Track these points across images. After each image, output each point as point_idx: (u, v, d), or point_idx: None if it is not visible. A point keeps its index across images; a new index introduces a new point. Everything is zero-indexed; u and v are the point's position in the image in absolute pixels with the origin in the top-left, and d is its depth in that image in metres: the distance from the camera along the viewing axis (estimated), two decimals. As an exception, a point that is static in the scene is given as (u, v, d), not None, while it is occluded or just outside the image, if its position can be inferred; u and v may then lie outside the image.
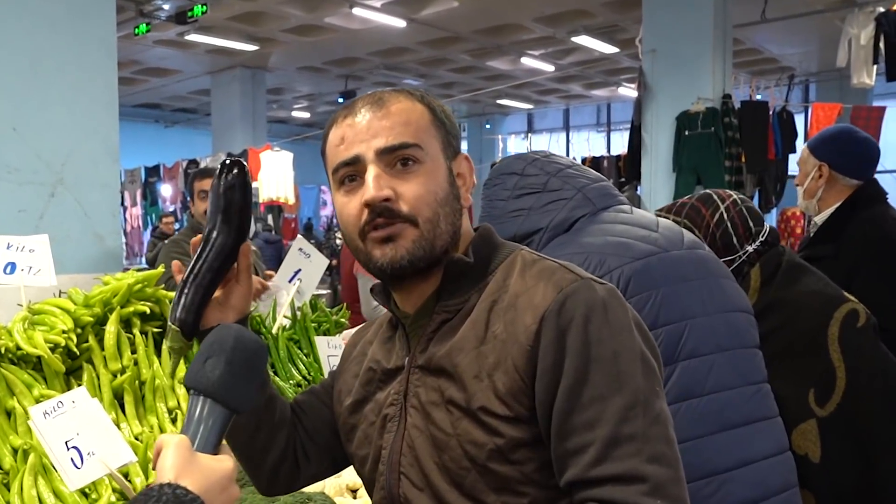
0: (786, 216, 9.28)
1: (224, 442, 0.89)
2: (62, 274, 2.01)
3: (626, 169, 8.44)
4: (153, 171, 11.49)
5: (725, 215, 1.75)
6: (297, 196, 9.95)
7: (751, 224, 1.75)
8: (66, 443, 1.44)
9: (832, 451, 1.60)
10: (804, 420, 1.61)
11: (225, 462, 0.83)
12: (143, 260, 10.36)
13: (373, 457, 1.05)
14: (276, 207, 10.22)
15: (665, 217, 1.73)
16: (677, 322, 1.34)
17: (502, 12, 9.26)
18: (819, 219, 2.33)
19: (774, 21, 8.17)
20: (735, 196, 1.79)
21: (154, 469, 0.81)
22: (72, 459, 1.44)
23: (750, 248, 1.74)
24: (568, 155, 13.48)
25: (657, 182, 7.31)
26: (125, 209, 11.25)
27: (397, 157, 0.97)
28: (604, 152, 13.78)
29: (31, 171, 2.56)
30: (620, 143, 12.18)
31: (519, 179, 1.50)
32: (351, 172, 0.99)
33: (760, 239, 1.75)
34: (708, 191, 1.83)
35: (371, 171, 0.96)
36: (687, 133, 7.01)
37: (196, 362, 0.87)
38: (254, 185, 9.70)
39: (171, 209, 10.97)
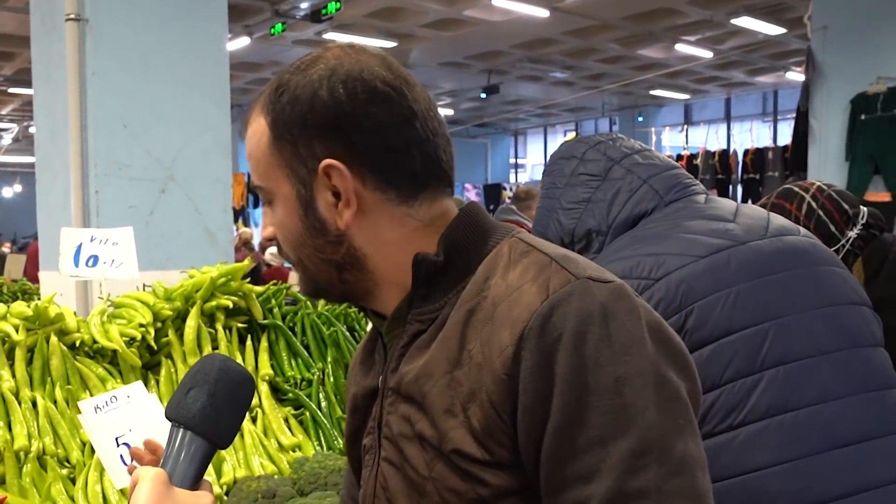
0: None
1: (206, 477, 0.85)
2: (172, 270, 2.02)
3: (791, 159, 7.73)
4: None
5: (814, 204, 1.61)
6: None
7: (846, 207, 1.62)
8: (116, 439, 1.41)
9: None
10: None
11: (202, 498, 0.79)
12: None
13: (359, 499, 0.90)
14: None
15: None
16: (758, 325, 1.15)
17: (653, -4, 8.77)
18: None
19: (977, -16, 7.11)
20: (818, 183, 1.66)
21: None
22: (121, 456, 1.40)
23: (853, 234, 1.57)
24: (728, 148, 12.64)
25: (826, 173, 6.63)
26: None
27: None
28: (769, 143, 12.75)
29: (142, 168, 2.64)
30: (788, 134, 11.21)
31: (578, 164, 1.36)
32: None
33: (861, 222, 1.60)
34: (786, 185, 1.68)
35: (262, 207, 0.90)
36: (863, 117, 6.37)
37: (178, 393, 0.84)
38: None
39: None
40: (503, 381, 0.71)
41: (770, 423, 1.12)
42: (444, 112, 16.96)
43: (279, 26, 8.12)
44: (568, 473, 0.69)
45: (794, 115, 7.14)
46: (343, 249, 0.82)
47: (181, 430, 0.82)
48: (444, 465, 0.75)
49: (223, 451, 1.69)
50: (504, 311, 0.74)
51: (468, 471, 0.74)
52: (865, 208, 1.64)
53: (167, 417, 0.83)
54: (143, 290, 1.93)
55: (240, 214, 11.67)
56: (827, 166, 6.62)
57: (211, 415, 0.81)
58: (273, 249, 6.58)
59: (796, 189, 1.65)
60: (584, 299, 0.71)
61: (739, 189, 10.29)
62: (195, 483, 0.81)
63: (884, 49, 6.31)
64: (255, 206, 12.45)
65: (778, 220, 1.32)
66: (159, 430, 1.39)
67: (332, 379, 2.04)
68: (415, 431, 0.78)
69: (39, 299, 1.81)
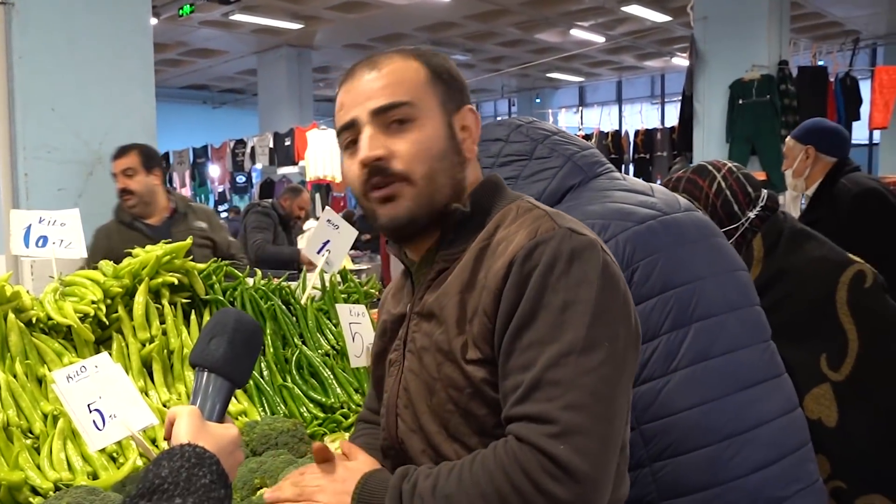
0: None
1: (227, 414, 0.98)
2: None
3: (678, 140, 8.24)
4: (201, 152, 11.62)
5: (724, 183, 1.77)
6: (344, 174, 10.01)
7: (749, 189, 1.77)
8: (88, 405, 1.48)
9: (849, 415, 1.59)
10: (816, 385, 1.61)
11: (231, 429, 0.92)
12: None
13: (382, 403, 1.10)
14: (323, 186, 10.32)
15: None
16: (687, 284, 1.32)
17: (549, -18, 9.08)
18: (809, 192, 2.86)
19: (836, -19, 7.80)
20: (730, 164, 1.81)
21: (166, 438, 0.90)
22: (94, 422, 1.48)
23: (752, 215, 1.74)
24: (620, 129, 13.24)
25: (709, 153, 7.12)
26: (175, 189, 11.47)
27: (391, 117, 0.99)
28: (657, 125, 13.46)
29: (70, 151, 2.64)
30: (675, 115, 11.92)
31: (504, 146, 1.47)
32: (351, 136, 1.02)
33: (760, 204, 1.76)
34: (701, 162, 1.85)
35: (365, 132, 0.99)
36: (741, 102, 6.84)
37: (201, 342, 0.96)
38: (301, 164, 9.74)
39: (220, 189, 11.14)
40: (494, 295, 0.93)
41: (696, 368, 1.28)
42: (348, 93, 16.82)
43: (187, 8, 7.95)
44: (513, 364, 0.90)
45: (680, 98, 7.55)
46: (463, 173, 1.04)
47: (206, 372, 0.94)
48: (449, 365, 0.96)
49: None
50: (504, 247, 0.96)
51: (465, 369, 0.95)
52: (766, 191, 1.82)
53: (192, 364, 0.96)
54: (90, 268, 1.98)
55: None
56: (710, 147, 7.08)
57: (231, 358, 0.94)
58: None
59: (710, 168, 1.81)
60: (560, 243, 0.92)
61: (631, 168, 10.79)
62: (222, 417, 0.94)
63: (757, 39, 6.79)
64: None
65: (682, 197, 1.48)
66: (126, 397, 1.49)
67: (271, 349, 2.15)
68: (432, 341, 0.99)
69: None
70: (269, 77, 12.31)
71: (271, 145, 10.00)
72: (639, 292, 1.27)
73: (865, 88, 7.47)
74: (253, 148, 10.36)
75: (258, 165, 10.74)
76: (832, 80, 7.19)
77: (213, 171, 11.49)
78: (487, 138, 1.52)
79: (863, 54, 11.78)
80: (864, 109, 7.48)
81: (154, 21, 8.64)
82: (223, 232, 3.24)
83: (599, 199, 1.37)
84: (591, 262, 0.92)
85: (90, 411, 1.49)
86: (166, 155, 11.76)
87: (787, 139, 2.96)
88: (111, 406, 1.48)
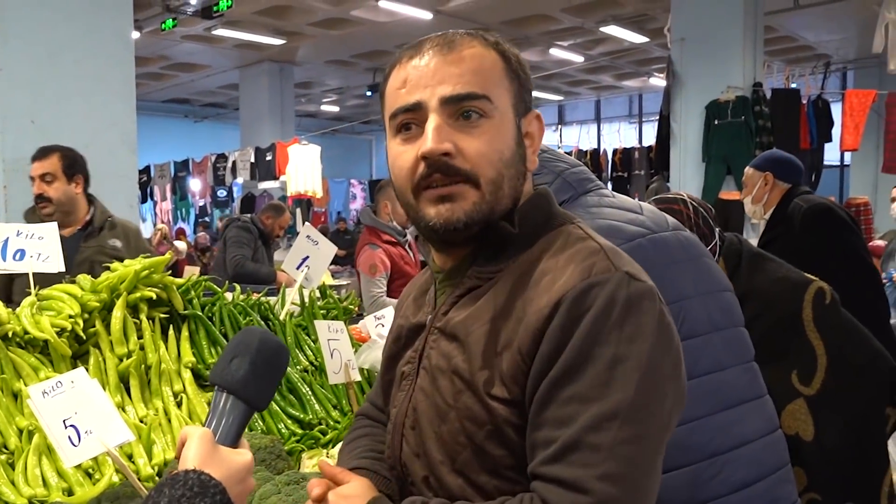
0: (856, 205, 8.01)
1: (243, 437, 0.92)
2: None
3: (656, 159, 8.34)
4: (182, 166, 11.60)
5: (695, 203, 1.82)
6: (326, 190, 10.03)
7: (712, 212, 1.85)
8: (63, 421, 1.47)
9: (823, 427, 1.65)
10: (790, 401, 1.66)
11: (244, 455, 0.87)
12: (176, 253, 10.57)
13: (389, 415, 1.03)
14: (304, 201, 10.30)
15: None
16: (673, 303, 1.30)
17: (529, 2, 9.20)
18: (767, 216, 3.09)
19: (808, 7, 7.99)
20: (684, 193, 1.89)
21: (177, 458, 0.86)
22: (69, 437, 1.47)
23: (717, 232, 1.80)
24: (599, 147, 13.37)
25: (687, 172, 7.22)
26: (155, 203, 11.42)
27: (462, 109, 0.88)
28: (635, 143, 13.62)
29: (50, 163, 2.62)
30: (652, 134, 12.09)
31: None
32: (410, 119, 0.90)
33: (717, 227, 1.82)
34: (661, 195, 1.89)
35: (432, 121, 0.87)
36: (717, 122, 6.94)
37: (222, 360, 0.91)
38: (282, 178, 9.73)
39: (202, 203, 11.10)
40: (534, 334, 0.83)
41: None
42: (331, 109, 16.88)
43: (170, 22, 7.94)
44: (549, 416, 0.82)
45: (658, 117, 7.65)
46: (524, 184, 0.94)
47: (224, 393, 0.89)
48: (470, 396, 0.88)
49: (153, 435, 1.78)
50: (549, 281, 0.86)
51: (489, 405, 0.86)
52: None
53: (211, 382, 0.91)
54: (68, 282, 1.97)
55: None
56: (687, 166, 7.17)
57: (251, 381, 0.89)
58: (182, 244, 6.44)
59: (673, 195, 1.87)
60: (617, 288, 0.83)
61: (609, 186, 10.92)
62: (236, 442, 0.88)
63: (732, 61, 6.90)
64: (143, 201, 11.87)
65: (670, 217, 1.47)
66: (102, 413, 1.48)
67: (250, 365, 2.15)
68: (450, 366, 0.90)
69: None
70: (250, 92, 12.32)
71: (252, 160, 9.99)
72: None
73: (836, 111, 7.62)
74: (234, 162, 10.35)
75: (239, 180, 10.73)
76: (805, 102, 7.33)
77: (195, 184, 11.45)
78: None
79: (834, 77, 12.04)
80: (836, 131, 7.62)
81: (136, 35, 8.65)
82: (141, 255, 3.17)
83: (588, 215, 1.37)
84: (649, 313, 0.84)
85: (65, 427, 1.48)
86: (147, 168, 11.71)
87: (747, 169, 3.18)
88: (87, 422, 1.47)
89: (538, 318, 0.84)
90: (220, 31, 9.62)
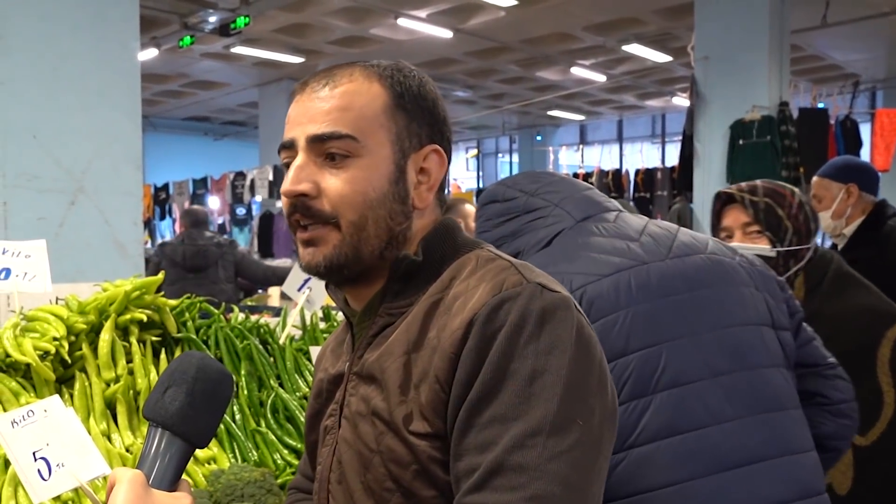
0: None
1: (184, 477, 0.83)
2: (82, 282, 1.99)
3: (679, 180, 8.22)
4: (200, 184, 11.66)
5: (804, 199, 1.64)
6: (284, 198, 10.01)
7: (819, 221, 1.68)
8: (33, 453, 1.39)
9: (865, 484, 1.43)
10: None
11: (182, 500, 0.79)
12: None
13: (315, 474, 0.97)
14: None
15: (737, 194, 1.60)
16: (653, 346, 1.17)
17: (551, 21, 9.14)
18: (848, 231, 2.68)
19: (836, 25, 7.84)
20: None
21: None
22: (38, 471, 1.39)
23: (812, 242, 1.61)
24: (621, 167, 13.27)
25: (710, 193, 7.08)
26: (174, 221, 11.47)
27: (326, 149, 0.87)
28: (658, 164, 13.50)
29: (52, 179, 2.57)
30: (675, 155, 11.97)
31: (500, 206, 1.40)
32: (287, 157, 0.90)
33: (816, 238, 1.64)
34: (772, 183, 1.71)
35: (297, 160, 0.88)
36: (741, 142, 6.84)
37: (155, 392, 0.83)
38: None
39: (220, 221, 11.13)
40: (450, 359, 0.80)
41: (660, 445, 1.13)
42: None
43: (187, 39, 7.98)
44: (470, 442, 0.77)
45: (681, 137, 7.57)
46: (406, 224, 0.90)
47: (159, 430, 0.80)
48: (391, 437, 0.83)
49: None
50: (461, 303, 0.83)
51: (412, 443, 0.81)
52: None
53: (145, 417, 0.82)
54: (56, 303, 1.90)
55: (146, 226, 11.27)
56: (710, 187, 7.06)
57: (189, 414, 0.80)
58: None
59: (785, 184, 1.70)
60: (529, 300, 0.79)
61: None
62: (173, 484, 0.80)
63: (757, 80, 6.82)
64: (162, 218, 11.98)
65: (685, 237, 1.32)
66: (76, 444, 1.40)
67: (245, 392, 2.05)
68: (370, 408, 0.86)
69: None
70: (270, 110, 12.37)
71: (271, 178, 10.00)
72: None
73: (865, 131, 7.47)
74: (252, 180, 10.37)
75: (258, 198, 10.75)
76: (832, 122, 7.19)
77: (213, 202, 11.51)
78: (486, 202, 1.45)
79: (862, 97, 11.84)
80: (864, 152, 7.46)
81: (155, 52, 8.73)
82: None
83: (575, 248, 1.27)
84: (565, 323, 0.80)
85: (35, 459, 1.40)
86: (166, 186, 11.78)
87: (817, 179, 2.79)
88: (59, 454, 1.38)
89: (452, 341, 0.81)
90: (239, 49, 9.67)
